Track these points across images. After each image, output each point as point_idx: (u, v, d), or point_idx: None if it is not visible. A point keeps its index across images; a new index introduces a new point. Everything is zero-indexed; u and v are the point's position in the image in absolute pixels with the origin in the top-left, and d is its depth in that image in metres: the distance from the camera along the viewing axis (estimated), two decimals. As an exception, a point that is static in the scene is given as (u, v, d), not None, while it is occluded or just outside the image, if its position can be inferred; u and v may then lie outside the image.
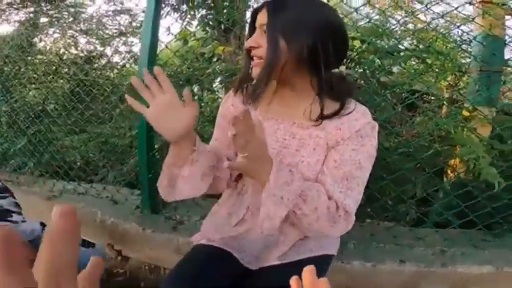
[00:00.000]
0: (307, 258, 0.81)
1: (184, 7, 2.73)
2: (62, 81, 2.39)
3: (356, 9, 1.31)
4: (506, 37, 1.27)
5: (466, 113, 1.27)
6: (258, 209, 0.77)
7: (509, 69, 1.43)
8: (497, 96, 1.37)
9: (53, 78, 2.41)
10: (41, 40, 3.14)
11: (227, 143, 0.84)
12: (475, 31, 1.36)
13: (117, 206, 1.63)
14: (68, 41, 3.11)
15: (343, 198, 0.71)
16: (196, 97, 1.84)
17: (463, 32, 1.44)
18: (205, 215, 0.95)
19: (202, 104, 1.78)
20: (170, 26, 1.48)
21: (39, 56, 2.84)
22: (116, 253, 1.55)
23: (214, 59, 2.08)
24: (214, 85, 1.96)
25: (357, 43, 1.42)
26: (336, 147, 0.75)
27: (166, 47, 1.50)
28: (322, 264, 0.83)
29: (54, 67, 2.53)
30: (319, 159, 0.76)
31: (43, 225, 1.23)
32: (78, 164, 1.87)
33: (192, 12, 2.62)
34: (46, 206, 1.73)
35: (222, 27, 2.54)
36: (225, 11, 2.23)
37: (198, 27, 2.55)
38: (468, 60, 1.49)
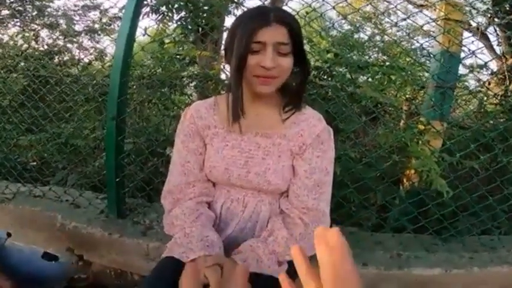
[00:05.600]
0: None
1: (164, 8, 2.63)
2: (21, 76, 2.21)
3: (333, 24, 1.37)
4: (462, 54, 1.39)
5: (421, 127, 1.38)
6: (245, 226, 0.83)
7: (460, 84, 1.57)
8: (449, 111, 1.51)
9: (10, 73, 2.22)
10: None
11: (199, 165, 0.85)
12: (435, 47, 1.46)
13: (80, 210, 1.55)
14: (28, 35, 2.89)
15: (317, 204, 0.79)
16: (169, 100, 1.80)
17: (424, 48, 1.55)
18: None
19: (175, 108, 1.74)
20: (147, 27, 1.41)
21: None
22: (77, 258, 1.49)
23: (191, 63, 2.04)
24: (188, 89, 1.92)
25: (330, 55, 1.48)
26: (302, 155, 0.81)
27: (143, 48, 1.46)
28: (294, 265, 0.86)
29: (13, 61, 2.33)
30: (285, 165, 0.81)
31: (9, 235, 1.15)
32: (35, 164, 1.73)
33: (170, 14, 2.54)
34: (-3, 209, 1.59)
35: (200, 30, 2.50)
36: (204, 15, 2.20)
37: (176, 30, 2.49)
38: (426, 74, 1.62)
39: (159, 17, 1.66)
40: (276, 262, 0.78)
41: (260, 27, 0.69)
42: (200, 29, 1.73)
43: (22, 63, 2.36)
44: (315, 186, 0.80)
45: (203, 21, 1.58)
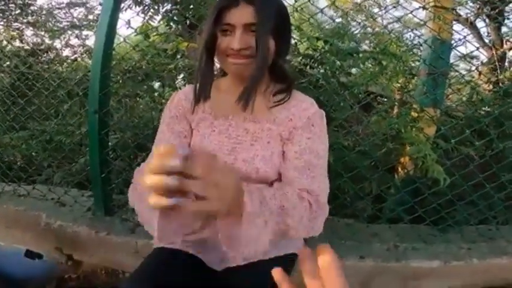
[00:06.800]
0: (272, 258, 0.81)
1: (148, 0, 2.60)
2: (2, 74, 2.15)
3: (321, 10, 1.33)
4: (452, 41, 1.38)
5: (414, 114, 1.36)
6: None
7: (452, 73, 1.57)
8: (442, 98, 1.49)
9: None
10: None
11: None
12: (425, 35, 1.46)
13: (65, 209, 1.50)
14: (13, 33, 2.83)
15: (308, 185, 0.72)
16: (156, 93, 1.77)
17: (415, 35, 1.55)
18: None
19: (163, 101, 1.70)
20: (131, 19, 1.36)
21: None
22: (66, 257, 1.44)
23: (178, 55, 2.01)
24: (176, 81, 1.89)
25: (320, 43, 1.46)
26: (292, 139, 0.77)
27: (125, 40, 1.41)
28: (287, 263, 0.83)
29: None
30: (274, 152, 0.77)
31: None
32: (19, 163, 1.68)
33: (155, 7, 2.50)
34: (-20, 210, 1.53)
35: (187, 22, 2.47)
36: (191, 6, 2.17)
37: (161, 22, 2.45)
38: (418, 63, 1.61)
39: (143, 9, 1.60)
40: (278, 223, 0.63)
41: (228, 8, 0.67)
42: (188, 21, 1.68)
43: (7, 63, 2.30)
44: (306, 168, 0.73)
45: (190, 12, 1.53)
